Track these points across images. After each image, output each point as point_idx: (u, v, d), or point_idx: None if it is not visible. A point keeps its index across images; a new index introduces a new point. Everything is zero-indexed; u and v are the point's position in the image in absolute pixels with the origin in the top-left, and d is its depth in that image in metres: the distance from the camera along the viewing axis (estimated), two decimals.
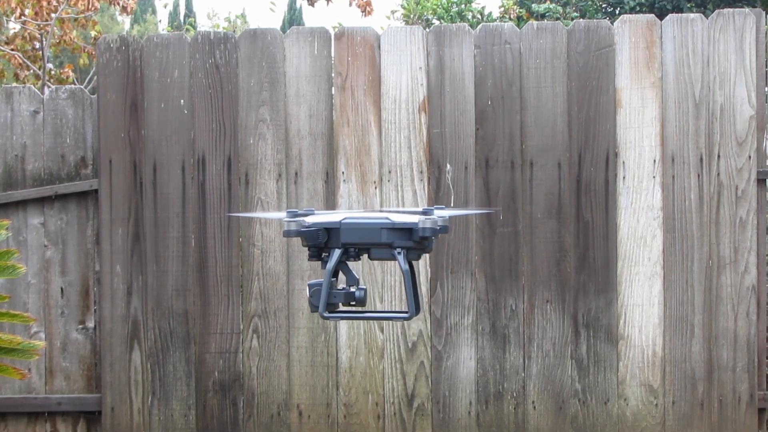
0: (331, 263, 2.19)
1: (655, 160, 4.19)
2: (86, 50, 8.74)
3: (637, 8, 10.89)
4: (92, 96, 4.39)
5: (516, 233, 4.21)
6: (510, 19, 11.41)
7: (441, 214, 2.24)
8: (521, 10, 11.60)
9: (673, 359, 4.20)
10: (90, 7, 8.09)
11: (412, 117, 4.24)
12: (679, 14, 4.29)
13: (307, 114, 4.26)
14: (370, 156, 4.24)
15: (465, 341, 4.24)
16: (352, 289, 2.24)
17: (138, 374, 4.29)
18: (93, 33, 8.95)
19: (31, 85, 4.66)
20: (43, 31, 8.26)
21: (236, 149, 4.27)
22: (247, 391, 4.27)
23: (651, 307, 4.20)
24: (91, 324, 4.37)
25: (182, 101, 4.27)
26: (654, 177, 4.19)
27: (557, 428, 4.23)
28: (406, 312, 2.21)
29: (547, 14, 11.18)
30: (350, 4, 9.83)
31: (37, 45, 8.74)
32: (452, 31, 4.24)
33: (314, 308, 2.21)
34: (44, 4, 7.99)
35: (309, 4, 10.31)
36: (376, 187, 4.23)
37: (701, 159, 4.19)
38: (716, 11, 4.24)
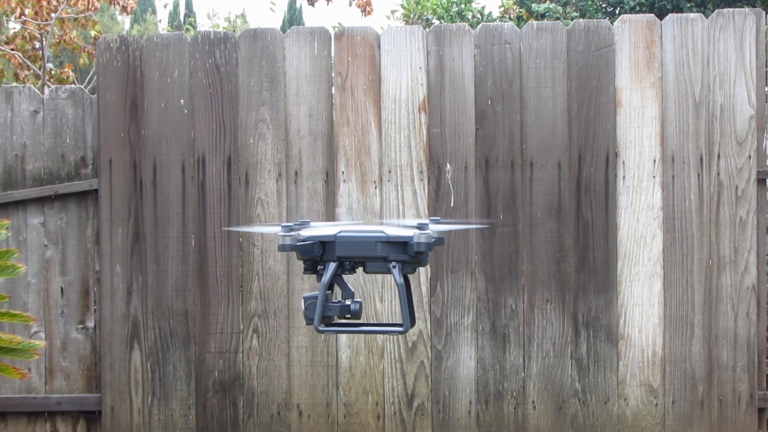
0: (326, 277, 2.19)
1: (655, 160, 4.19)
2: (86, 50, 8.74)
3: (637, 8, 10.89)
4: (92, 96, 4.39)
5: (516, 233, 4.21)
6: (510, 18, 11.42)
7: (436, 227, 2.23)
8: (521, 9, 11.60)
9: (673, 359, 4.20)
10: (90, 6, 8.09)
11: (412, 117, 4.24)
12: (679, 14, 4.29)
13: (307, 114, 4.26)
14: (370, 156, 4.24)
15: (465, 341, 4.24)
16: (348, 303, 2.23)
17: (138, 374, 4.29)
18: (93, 33, 8.95)
19: (31, 85, 4.66)
20: (43, 30, 8.26)
21: (236, 149, 4.27)
22: (247, 391, 4.27)
23: (651, 307, 4.20)
24: (91, 324, 4.37)
25: (182, 101, 4.27)
26: (654, 177, 4.19)
27: (557, 428, 4.23)
28: (401, 325, 2.21)
29: (547, 14, 11.18)
30: (350, 4, 9.83)
31: (37, 45, 8.74)
32: (452, 31, 4.24)
33: (309, 321, 2.21)
34: (44, 3, 7.99)
35: (309, 4, 10.31)
36: (376, 187, 4.23)
37: (701, 159, 4.19)
38: (716, 11, 4.24)
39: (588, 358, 4.22)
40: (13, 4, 8.01)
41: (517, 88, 4.22)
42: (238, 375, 4.28)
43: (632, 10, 10.86)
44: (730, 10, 4.24)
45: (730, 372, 4.20)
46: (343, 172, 4.24)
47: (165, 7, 15.76)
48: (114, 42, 4.30)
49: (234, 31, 7.67)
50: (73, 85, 6.04)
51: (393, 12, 13.23)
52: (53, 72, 8.90)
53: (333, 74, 4.26)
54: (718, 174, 4.19)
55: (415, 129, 4.24)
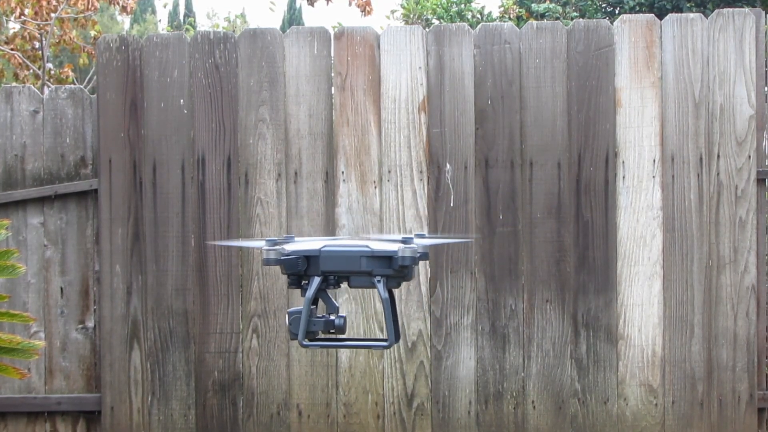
0: (310, 291, 2.18)
1: (654, 160, 4.19)
2: (86, 50, 8.74)
3: (637, 8, 10.89)
4: (92, 96, 4.39)
5: (516, 233, 4.21)
6: (510, 18, 11.41)
7: (421, 242, 2.23)
8: (521, 9, 11.60)
9: (672, 359, 4.20)
10: (90, 6, 8.09)
11: (411, 117, 4.24)
12: (679, 14, 4.29)
13: (307, 114, 4.26)
14: (370, 156, 4.24)
15: (465, 341, 4.24)
16: (332, 318, 2.22)
17: (138, 374, 4.29)
18: (93, 33, 8.95)
19: (31, 85, 4.66)
20: (42, 30, 8.26)
21: (236, 149, 4.27)
22: (246, 391, 4.27)
23: (651, 307, 4.20)
24: (90, 324, 4.37)
25: (182, 101, 4.27)
26: (654, 177, 4.19)
27: (557, 428, 4.23)
28: (386, 340, 2.20)
29: (546, 14, 11.18)
30: (350, 4, 9.83)
31: (37, 45, 8.74)
32: (452, 31, 4.24)
33: (294, 336, 2.20)
34: (44, 3, 7.99)
35: (309, 4, 10.31)
36: (375, 187, 4.23)
37: (701, 159, 4.19)
38: (716, 11, 4.24)
39: (588, 358, 4.22)
40: (12, 4, 8.01)
41: (516, 87, 4.22)
42: (238, 375, 4.28)
43: (632, 10, 10.86)
44: (730, 10, 4.24)
45: (729, 372, 4.20)
46: (342, 172, 4.24)
47: (165, 7, 15.76)
48: (114, 42, 4.30)
49: (234, 31, 7.67)
50: (72, 85, 6.04)
51: (393, 12, 13.23)
52: (53, 72, 8.90)
53: (333, 74, 4.26)
54: (718, 174, 4.19)
55: (415, 129, 4.24)
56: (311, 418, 4.27)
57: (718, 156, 4.19)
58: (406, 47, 4.24)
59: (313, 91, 4.26)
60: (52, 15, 8.04)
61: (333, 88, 4.26)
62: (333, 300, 2.24)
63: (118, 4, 8.68)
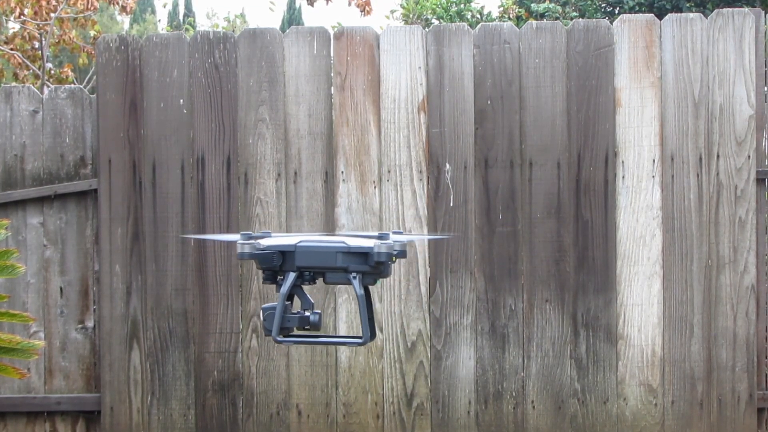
0: (285, 287, 2.18)
1: (654, 160, 4.19)
2: (85, 50, 8.74)
3: (637, 8, 10.89)
4: (91, 96, 4.39)
5: (515, 233, 4.21)
6: (509, 18, 11.41)
7: (398, 239, 2.22)
8: (520, 9, 11.60)
9: (672, 359, 4.20)
10: (89, 6, 8.09)
11: (411, 116, 4.24)
12: (679, 14, 4.29)
13: (307, 113, 4.26)
14: (370, 156, 4.24)
15: (464, 341, 4.24)
16: (307, 314, 2.22)
17: (137, 374, 4.29)
18: (92, 32, 8.94)
19: (31, 85, 4.65)
20: (42, 30, 8.26)
21: (235, 149, 4.27)
22: (246, 391, 4.27)
23: (650, 307, 4.20)
24: (90, 323, 4.36)
25: (181, 101, 4.27)
26: (653, 176, 4.19)
27: (556, 428, 4.23)
28: (360, 337, 2.20)
29: (546, 14, 11.18)
30: (349, 4, 9.82)
31: (37, 44, 8.73)
32: (451, 31, 4.24)
33: (268, 332, 2.19)
34: (43, 3, 7.99)
35: (308, 4, 10.30)
36: (375, 187, 4.23)
37: (700, 158, 4.19)
38: (715, 11, 4.24)
39: (587, 358, 4.22)
40: (12, 4, 8.01)
41: (516, 87, 4.22)
42: (238, 375, 4.28)
43: (631, 10, 10.85)
44: (730, 10, 4.24)
45: (729, 372, 4.20)
46: (342, 172, 4.24)
47: (164, 6, 15.76)
48: (113, 42, 4.30)
49: (233, 31, 7.67)
50: (72, 85, 6.04)
51: (392, 12, 13.23)
52: (52, 72, 8.90)
53: (332, 74, 4.26)
54: (718, 174, 4.19)
55: (415, 129, 4.24)
56: (311, 418, 4.27)
57: (718, 156, 4.19)
58: (405, 47, 4.24)
59: (312, 91, 4.26)
60: (52, 15, 8.03)
61: (332, 88, 4.26)
62: (308, 296, 2.23)
63: (117, 3, 8.67)
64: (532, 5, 11.38)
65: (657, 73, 4.20)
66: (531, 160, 4.22)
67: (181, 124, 4.27)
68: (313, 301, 2.25)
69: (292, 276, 2.18)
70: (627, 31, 4.21)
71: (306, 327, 2.22)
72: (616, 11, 11.49)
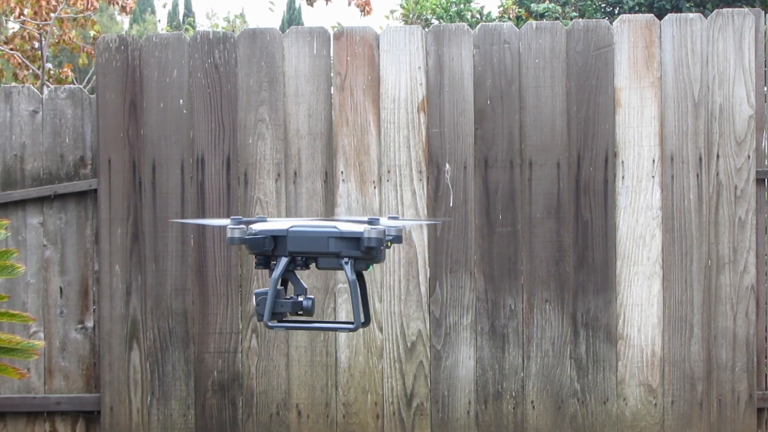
0: (277, 272, 2.16)
1: (654, 160, 4.19)
2: (85, 50, 8.74)
3: (636, 8, 10.89)
4: (91, 96, 4.39)
5: (515, 233, 4.21)
6: (509, 18, 11.41)
7: (393, 224, 2.20)
8: (520, 9, 11.60)
9: (672, 359, 4.20)
10: (89, 6, 8.09)
11: (411, 117, 4.24)
12: (678, 14, 4.29)
13: (306, 113, 4.26)
14: (369, 156, 4.24)
15: (464, 341, 4.24)
16: (300, 299, 2.20)
17: (137, 374, 4.29)
18: (92, 33, 8.94)
19: (30, 85, 4.65)
20: (42, 30, 8.26)
21: (235, 149, 4.27)
22: (246, 391, 4.27)
23: (650, 307, 4.20)
24: (90, 324, 4.36)
25: (181, 101, 4.27)
26: (653, 177, 4.19)
27: (556, 428, 4.23)
28: (352, 323, 2.18)
29: (546, 14, 11.18)
30: (349, 4, 9.82)
31: (36, 45, 8.73)
32: (451, 31, 4.24)
33: (260, 317, 2.18)
34: (43, 3, 7.99)
35: (308, 4, 10.30)
36: (375, 187, 4.23)
37: (700, 159, 4.19)
38: (715, 11, 4.24)
39: (587, 358, 4.22)
40: (12, 4, 8.00)
41: (516, 87, 4.22)
42: (237, 375, 4.28)
43: (631, 10, 10.85)
44: (730, 10, 4.24)
45: (729, 372, 4.20)
46: (342, 172, 4.24)
47: (164, 7, 15.77)
48: (113, 42, 4.30)
49: (233, 31, 7.68)
50: (72, 85, 6.04)
51: (392, 12, 13.23)
52: (52, 72, 8.89)
53: (332, 74, 4.26)
54: (717, 174, 4.19)
55: (414, 129, 4.24)
56: (310, 418, 4.27)
57: (718, 156, 4.19)
58: (405, 47, 4.24)
59: (312, 91, 4.26)
60: (52, 15, 8.03)
61: (332, 88, 4.26)
62: (301, 281, 2.22)
63: (117, 4, 8.67)
64: (532, 5, 11.38)
65: (657, 73, 4.20)
66: (531, 160, 4.22)
67: (180, 124, 4.27)
68: (306, 286, 2.23)
69: (284, 261, 2.17)
70: (627, 31, 4.21)
71: (299, 312, 2.21)
72: (616, 11, 11.49)
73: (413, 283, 4.23)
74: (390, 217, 2.23)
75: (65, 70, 8.72)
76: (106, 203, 4.27)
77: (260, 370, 4.27)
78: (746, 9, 4.26)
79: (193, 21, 16.97)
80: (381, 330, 4.24)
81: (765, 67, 4.28)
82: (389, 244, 2.20)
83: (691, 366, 4.20)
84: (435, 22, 11.53)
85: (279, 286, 2.19)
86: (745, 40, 4.19)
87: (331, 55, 4.26)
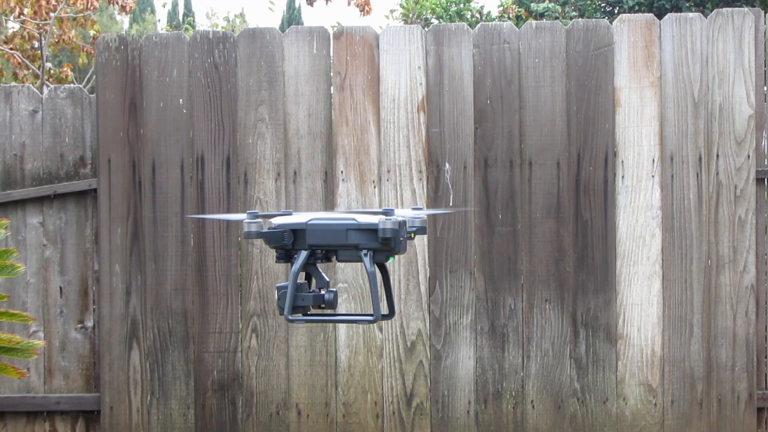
0: (297, 265, 2.15)
1: (654, 160, 4.19)
2: (85, 49, 8.73)
3: (636, 7, 10.89)
4: (91, 95, 4.39)
5: (515, 232, 4.21)
6: (509, 18, 11.41)
7: (416, 214, 2.19)
8: (520, 9, 11.60)
9: (672, 358, 4.20)
10: (89, 6, 8.08)
11: (410, 116, 4.24)
12: (678, 13, 4.29)
13: (306, 113, 4.26)
14: (369, 155, 4.24)
15: (464, 340, 4.24)
16: (322, 292, 2.19)
17: (137, 373, 4.29)
18: (92, 32, 8.94)
19: (30, 85, 4.65)
20: (41, 30, 8.26)
21: (235, 148, 4.27)
22: (245, 391, 4.27)
23: (650, 307, 4.20)
24: (89, 323, 4.36)
25: (181, 100, 4.27)
26: (653, 176, 4.19)
27: (556, 427, 4.23)
28: (371, 315, 2.17)
29: (545, 13, 11.18)
30: (349, 4, 9.82)
31: (36, 44, 8.73)
32: (451, 31, 4.24)
33: (281, 311, 2.17)
34: (43, 3, 7.98)
35: (308, 4, 10.30)
36: (375, 187, 4.23)
37: (700, 158, 4.19)
38: (715, 11, 4.24)
39: (587, 358, 4.22)
40: (12, 4, 8.00)
41: (515, 87, 4.22)
42: (237, 374, 4.28)
43: (631, 10, 10.85)
44: (729, 9, 4.24)
45: (729, 371, 4.20)
46: (342, 172, 4.24)
47: (164, 6, 15.76)
48: (113, 41, 4.29)
49: (233, 30, 7.67)
50: (72, 85, 6.03)
51: (392, 11, 13.23)
52: (52, 71, 8.89)
53: (332, 74, 4.26)
54: (717, 173, 4.19)
55: (414, 128, 4.24)
56: (310, 418, 4.27)
57: (718, 155, 4.19)
58: (405, 47, 4.24)
59: (312, 91, 4.26)
60: (51, 14, 8.03)
61: (332, 88, 4.26)
62: (323, 275, 2.21)
63: (117, 3, 8.66)
64: (532, 5, 11.38)
65: (656, 72, 4.20)
66: (530, 160, 4.22)
67: (180, 123, 4.27)
68: (327, 279, 2.22)
69: (303, 254, 2.16)
70: (626, 31, 4.21)
71: (321, 305, 2.19)
72: (616, 11, 11.49)
73: (413, 283, 4.23)
74: (413, 209, 2.22)
75: (65, 69, 8.72)
76: (105, 203, 4.27)
77: (260, 369, 4.27)
78: (746, 9, 4.26)
79: (193, 20, 16.96)
80: (381, 330, 4.24)
81: (765, 66, 4.28)
82: (413, 235, 2.19)
83: (690, 365, 4.20)
84: (435, 21, 11.53)
85: (303, 280, 2.18)
86: (745, 39, 4.19)
87: (331, 54, 4.26)
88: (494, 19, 11.68)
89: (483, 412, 4.24)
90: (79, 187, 4.33)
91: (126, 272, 4.27)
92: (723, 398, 4.21)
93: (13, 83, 6.73)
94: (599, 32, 4.22)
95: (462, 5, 11.65)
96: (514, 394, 4.24)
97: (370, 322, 2.18)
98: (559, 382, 4.23)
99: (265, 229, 2.17)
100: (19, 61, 8.32)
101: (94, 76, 4.94)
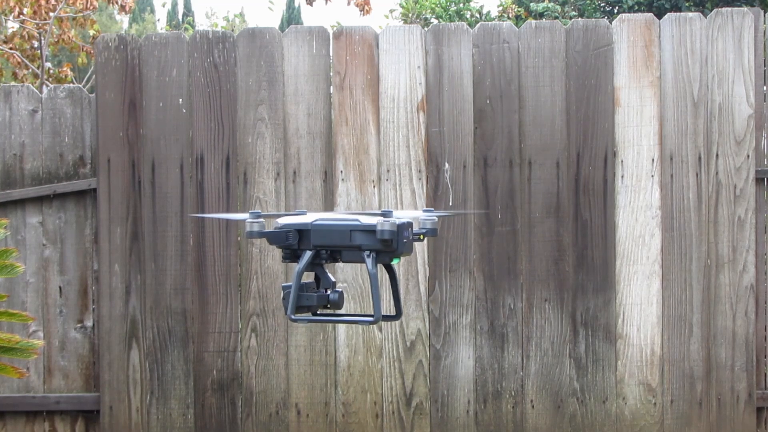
0: (301, 265, 2.14)
1: (653, 159, 4.19)
2: (85, 49, 8.73)
3: (636, 7, 10.89)
4: (91, 95, 4.39)
5: (514, 232, 4.21)
6: (508, 18, 11.41)
7: (428, 216, 2.19)
8: (520, 8, 11.60)
9: (671, 358, 4.20)
10: (88, 6, 8.08)
11: (410, 116, 4.24)
12: (678, 13, 4.29)
13: (306, 113, 4.26)
14: (369, 155, 4.24)
15: (463, 340, 4.24)
16: (327, 292, 2.19)
17: (136, 373, 4.29)
18: (91, 32, 8.93)
19: (30, 84, 4.65)
20: (41, 30, 8.26)
21: (235, 148, 4.27)
22: (245, 390, 4.27)
23: (649, 306, 4.20)
24: (89, 323, 4.36)
25: (181, 100, 4.27)
26: (652, 176, 4.19)
27: (556, 427, 4.23)
28: (372, 316, 2.16)
29: (545, 13, 11.18)
30: (348, 3, 9.81)
31: (36, 44, 8.73)
32: (451, 30, 4.24)
33: (286, 310, 2.17)
34: (42, 2, 7.98)
35: (307, 3, 10.29)
36: (374, 187, 4.23)
37: (700, 158, 4.19)
38: (715, 10, 4.25)
39: (586, 358, 4.22)
40: (11, 3, 8.00)
41: (515, 87, 4.22)
42: (237, 374, 4.28)
43: (630, 10, 10.85)
44: (729, 9, 4.24)
45: (728, 371, 4.20)
46: (341, 172, 4.24)
47: (163, 6, 15.76)
48: (112, 41, 4.29)
49: (232, 30, 7.67)
50: (71, 85, 6.03)
51: (391, 11, 13.22)
52: (52, 71, 8.89)
53: (331, 73, 4.26)
54: (717, 173, 4.19)
55: (414, 128, 4.24)
56: (310, 418, 4.27)
57: (717, 155, 4.19)
58: (404, 46, 4.24)
59: (311, 91, 4.26)
60: (51, 14, 8.03)
61: (332, 88, 4.26)
62: (329, 275, 2.21)
63: (116, 3, 8.66)
64: (531, 4, 11.38)
65: (656, 72, 4.20)
66: (530, 160, 4.22)
67: (180, 123, 4.27)
68: (333, 279, 2.22)
69: (308, 255, 2.16)
70: (626, 31, 4.21)
71: (326, 306, 2.19)
72: (615, 10, 11.49)
73: (412, 283, 4.23)
74: (425, 210, 2.22)
75: (64, 69, 8.72)
76: (105, 202, 4.27)
77: (259, 369, 4.27)
78: (745, 8, 4.26)
79: (193, 20, 16.96)
80: (380, 329, 4.24)
81: (764, 66, 4.28)
82: (422, 237, 2.19)
83: (690, 365, 4.20)
84: (434, 21, 11.53)
85: (310, 280, 2.19)
86: (745, 39, 4.19)
87: (331, 54, 4.26)
88: (494, 19, 11.68)
89: (482, 411, 4.24)
90: (78, 187, 4.33)
91: (125, 272, 4.27)
92: (722, 398, 4.21)
93: (13, 83, 6.73)
94: (599, 32, 4.22)
95: (461, 5, 11.65)
96: (513, 393, 4.24)
97: (370, 323, 2.18)
98: (559, 382, 4.23)
99: (269, 229, 2.18)
100: (19, 60, 8.32)
101: (94, 76, 4.94)
